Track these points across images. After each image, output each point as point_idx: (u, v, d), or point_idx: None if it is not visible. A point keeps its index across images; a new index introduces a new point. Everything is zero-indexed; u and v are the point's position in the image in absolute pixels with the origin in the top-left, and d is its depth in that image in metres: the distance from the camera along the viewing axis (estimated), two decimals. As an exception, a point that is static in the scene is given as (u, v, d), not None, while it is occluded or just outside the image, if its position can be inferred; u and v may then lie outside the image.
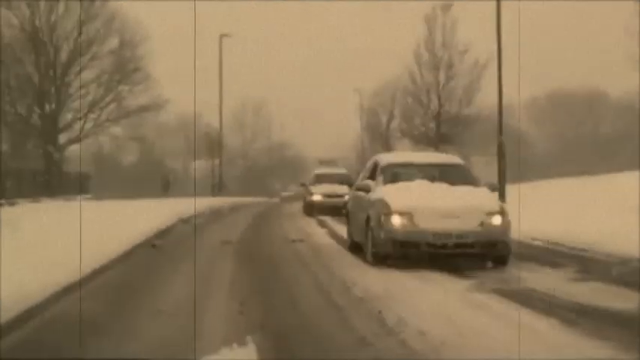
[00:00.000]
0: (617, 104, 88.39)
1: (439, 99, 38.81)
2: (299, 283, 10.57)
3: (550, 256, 13.61)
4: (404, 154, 13.20)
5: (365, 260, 12.50)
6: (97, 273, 10.80)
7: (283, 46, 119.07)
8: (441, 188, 11.98)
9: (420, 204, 11.47)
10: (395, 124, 56.00)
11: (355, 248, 14.14)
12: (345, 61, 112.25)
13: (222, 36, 54.92)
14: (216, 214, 30.56)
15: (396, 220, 11.43)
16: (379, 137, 58.77)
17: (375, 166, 13.31)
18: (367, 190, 12.71)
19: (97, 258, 11.62)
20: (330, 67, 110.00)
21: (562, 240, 15.47)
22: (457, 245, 11.28)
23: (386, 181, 12.50)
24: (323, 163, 60.50)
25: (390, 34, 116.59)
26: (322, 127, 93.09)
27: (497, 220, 11.53)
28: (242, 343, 6.63)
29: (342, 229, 20.59)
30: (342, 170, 35.65)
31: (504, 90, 25.21)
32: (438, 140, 36.43)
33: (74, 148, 55.68)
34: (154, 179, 59.09)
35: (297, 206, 42.83)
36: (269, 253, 14.77)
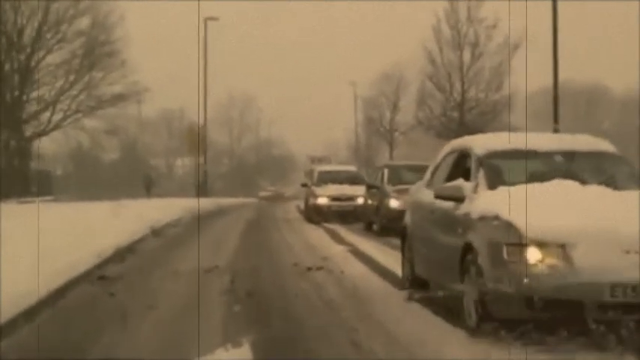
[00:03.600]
0: (620, 99, 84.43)
1: (463, 83, 33.19)
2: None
3: None
4: (513, 137, 7.69)
5: (449, 317, 7.16)
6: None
7: (272, 35, 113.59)
8: (603, 196, 6.55)
9: (579, 226, 6.07)
10: (399, 116, 50.74)
11: (418, 287, 8.77)
12: (338, 52, 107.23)
13: (207, 19, 49.51)
14: (197, 221, 25.07)
15: (536, 257, 6.04)
16: (380, 131, 53.29)
17: (464, 156, 7.85)
18: (457, 197, 7.22)
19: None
20: (322, 59, 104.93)
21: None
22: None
23: (493, 183, 7.07)
24: (315, 160, 55.66)
25: (388, 23, 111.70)
26: (313, 123, 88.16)
27: None
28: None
29: (368, 248, 15.27)
30: (351, 167, 30.17)
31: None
32: (461, 131, 30.80)
33: (47, 144, 50.23)
34: (136, 178, 54.35)
35: (289, 208, 37.67)
36: (278, 296, 9.30)
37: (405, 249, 9.34)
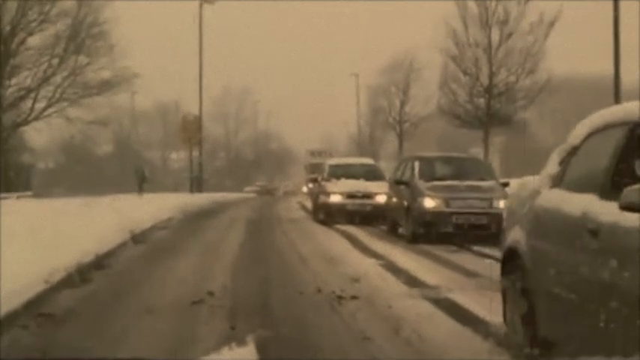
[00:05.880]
0: (629, 91, 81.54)
1: (490, 65, 29.56)
2: None
3: None
4: None
5: None
6: None
7: (271, 23, 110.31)
8: None
9: None
10: (408, 106, 47.33)
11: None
12: (340, 43, 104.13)
13: (202, 2, 46.30)
14: (190, 222, 21.72)
15: None
16: (389, 122, 49.86)
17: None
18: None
19: None
20: (323, 50, 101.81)
21: None
22: None
23: None
24: (315, 154, 52.49)
25: (392, 16, 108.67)
26: (312, 116, 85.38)
27: None
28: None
29: (408, 263, 11.87)
30: (367, 160, 26.60)
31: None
32: (488, 120, 27.33)
33: (38, 136, 46.85)
34: (130, 171, 51.21)
35: (291, 205, 34.51)
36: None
37: (514, 290, 5.70)
